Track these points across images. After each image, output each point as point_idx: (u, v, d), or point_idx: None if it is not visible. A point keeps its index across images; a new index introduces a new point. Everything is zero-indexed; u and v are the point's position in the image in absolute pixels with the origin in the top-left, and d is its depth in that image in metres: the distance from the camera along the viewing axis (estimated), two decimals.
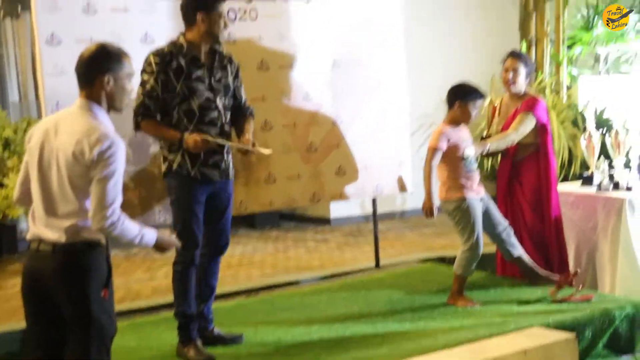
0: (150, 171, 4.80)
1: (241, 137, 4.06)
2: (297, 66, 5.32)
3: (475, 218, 4.59)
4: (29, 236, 2.96)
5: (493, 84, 5.28)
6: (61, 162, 2.85)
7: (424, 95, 8.73)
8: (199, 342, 4.02)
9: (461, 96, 4.58)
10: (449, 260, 6.35)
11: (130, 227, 2.88)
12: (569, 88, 9.10)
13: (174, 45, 3.97)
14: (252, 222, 8.65)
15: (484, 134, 5.17)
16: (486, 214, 4.68)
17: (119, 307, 5.07)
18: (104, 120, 2.93)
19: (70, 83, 4.07)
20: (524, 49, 9.25)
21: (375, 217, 6.03)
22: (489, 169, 8.53)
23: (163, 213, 4.84)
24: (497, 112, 5.14)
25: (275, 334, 4.29)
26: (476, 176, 4.68)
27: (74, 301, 2.86)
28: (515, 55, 4.99)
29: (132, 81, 3.06)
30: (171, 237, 3.09)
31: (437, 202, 4.62)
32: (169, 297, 5.73)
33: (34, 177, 2.94)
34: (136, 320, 4.79)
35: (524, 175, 5.03)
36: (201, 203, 3.98)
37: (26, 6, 8.94)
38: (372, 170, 5.62)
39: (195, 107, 3.91)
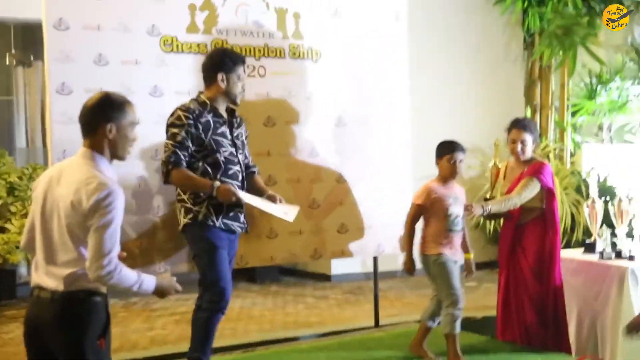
0: (153, 221, 4.81)
1: (267, 194, 4.28)
2: (304, 123, 5.38)
3: (451, 273, 4.64)
4: (31, 283, 2.96)
5: (497, 148, 5.32)
6: (61, 211, 2.87)
7: (428, 156, 8.77)
8: None
9: (437, 153, 4.82)
10: None
11: (128, 275, 2.87)
12: (572, 155, 9.17)
13: (198, 102, 4.15)
14: (252, 275, 8.62)
15: (487, 195, 5.19)
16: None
17: (115, 357, 5.04)
18: (105, 169, 2.94)
19: (78, 131, 4.11)
20: (528, 115, 9.37)
21: (376, 276, 6.01)
22: (491, 232, 8.54)
23: (164, 264, 4.83)
24: (502, 175, 5.17)
25: None
26: (456, 238, 4.73)
27: (69, 350, 2.84)
28: (520, 125, 5.01)
29: (135, 130, 3.08)
30: (171, 282, 3.05)
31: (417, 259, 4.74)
32: (167, 349, 5.71)
33: (37, 226, 2.95)
34: None
35: (528, 240, 5.02)
36: (223, 254, 4.09)
37: (38, 55, 9.11)
38: (375, 229, 5.62)
39: (221, 160, 4.09)
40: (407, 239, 4.75)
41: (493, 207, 4.84)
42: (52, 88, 4.54)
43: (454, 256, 4.69)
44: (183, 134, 4.02)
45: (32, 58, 9.39)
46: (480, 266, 9.22)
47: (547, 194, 4.99)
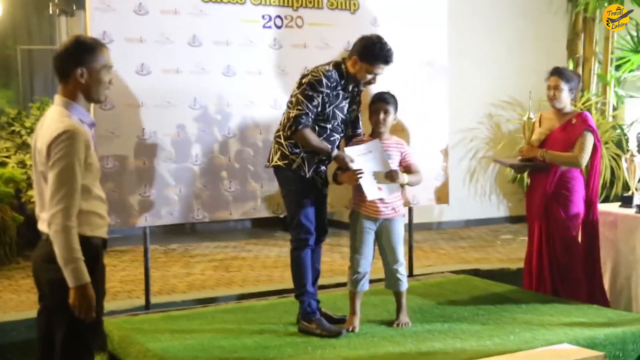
0: (191, 169, 4.92)
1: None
2: None
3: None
4: None
5: (531, 100, 5.29)
6: (37, 159, 2.92)
7: (465, 109, 8.75)
8: (321, 318, 4.39)
9: None
10: (483, 274, 6.38)
11: (75, 242, 2.79)
12: (615, 109, 9.04)
13: (339, 72, 4.33)
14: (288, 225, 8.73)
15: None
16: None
17: (154, 299, 5.22)
18: (75, 115, 2.90)
19: (117, 79, 4.20)
20: (570, 68, 9.21)
21: (410, 227, 6.05)
22: (529, 186, 8.51)
23: (201, 210, 4.95)
24: (537, 124, 5.17)
25: (306, 335, 4.35)
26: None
27: (51, 288, 2.92)
28: (556, 72, 5.05)
29: (111, 72, 3.02)
30: (93, 298, 2.85)
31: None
32: (205, 293, 5.88)
33: (33, 175, 3.01)
34: (171, 313, 4.90)
35: (565, 190, 5.01)
36: (309, 198, 4.36)
37: (80, 5, 9.21)
38: None
39: (329, 127, 4.35)
40: None
41: (549, 155, 4.93)
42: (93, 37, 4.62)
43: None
44: (319, 99, 4.24)
45: (74, 7, 9.49)
46: (517, 220, 9.27)
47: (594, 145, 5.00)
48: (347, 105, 4.42)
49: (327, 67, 4.33)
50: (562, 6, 9.60)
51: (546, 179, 5.08)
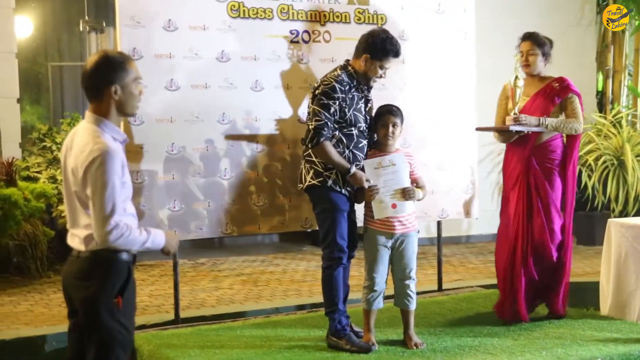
0: (220, 183, 4.94)
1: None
2: None
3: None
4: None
5: (517, 62, 5.15)
6: (70, 178, 2.93)
7: (493, 123, 8.67)
8: (351, 334, 4.38)
9: None
10: None
11: (137, 236, 2.88)
12: None
13: (347, 74, 4.35)
14: (316, 239, 8.72)
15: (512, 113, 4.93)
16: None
17: (183, 314, 5.23)
18: (108, 132, 2.90)
19: (146, 95, 4.22)
20: (600, 80, 9.13)
21: (439, 241, 6.02)
22: None
23: (230, 225, 4.96)
24: (511, 97, 4.97)
25: (335, 350, 4.33)
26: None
27: (83, 305, 2.91)
28: (527, 37, 4.93)
29: (140, 84, 3.02)
30: (177, 239, 3.17)
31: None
32: (234, 307, 5.88)
33: (64, 191, 3.02)
34: (200, 328, 4.91)
35: (548, 161, 4.84)
36: (344, 215, 4.34)
37: (110, 22, 9.35)
38: (438, 194, 5.62)
39: (355, 133, 4.34)
40: None
41: (551, 122, 4.74)
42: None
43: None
44: (336, 106, 4.25)
45: (104, 24, 9.63)
46: None
47: None
48: (363, 105, 4.42)
49: (336, 73, 4.36)
50: (591, 19, 9.53)
51: (524, 147, 4.86)
